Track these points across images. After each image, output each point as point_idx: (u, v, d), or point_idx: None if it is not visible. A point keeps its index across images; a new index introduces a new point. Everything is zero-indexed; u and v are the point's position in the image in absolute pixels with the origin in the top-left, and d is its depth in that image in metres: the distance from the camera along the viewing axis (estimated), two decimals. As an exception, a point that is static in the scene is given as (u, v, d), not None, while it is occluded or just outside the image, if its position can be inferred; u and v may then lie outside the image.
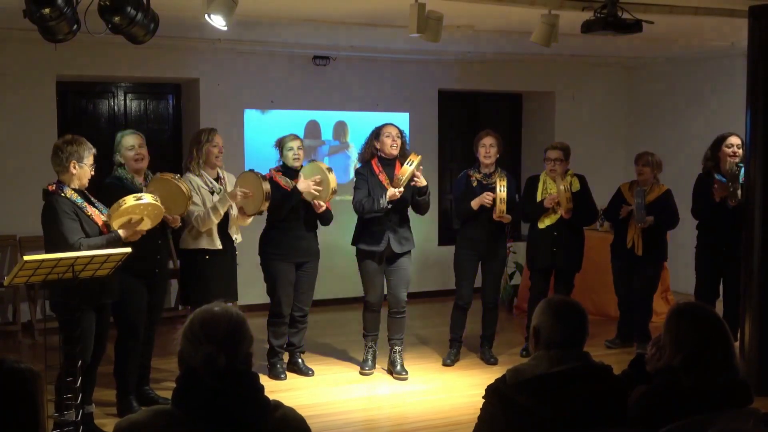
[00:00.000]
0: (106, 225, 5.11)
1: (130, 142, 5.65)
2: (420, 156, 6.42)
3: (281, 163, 6.54)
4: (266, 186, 6.15)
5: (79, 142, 5.09)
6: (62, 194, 5.00)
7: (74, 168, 5.03)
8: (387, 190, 6.37)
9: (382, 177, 6.48)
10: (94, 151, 5.15)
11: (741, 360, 5.77)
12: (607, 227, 8.41)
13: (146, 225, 5.27)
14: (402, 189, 6.33)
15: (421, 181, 6.41)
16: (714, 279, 7.12)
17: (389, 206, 6.38)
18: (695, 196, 7.14)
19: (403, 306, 6.65)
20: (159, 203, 5.28)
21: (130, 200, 5.12)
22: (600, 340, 7.53)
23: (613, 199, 7.45)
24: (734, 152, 6.87)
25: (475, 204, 6.71)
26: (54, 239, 4.98)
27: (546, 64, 10.06)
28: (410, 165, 6.30)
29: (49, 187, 5.06)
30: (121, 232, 5.11)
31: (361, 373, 6.74)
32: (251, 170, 6.34)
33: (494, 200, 6.64)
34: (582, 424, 2.77)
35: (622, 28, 5.78)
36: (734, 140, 6.93)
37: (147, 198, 5.22)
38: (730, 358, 2.89)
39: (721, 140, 7.02)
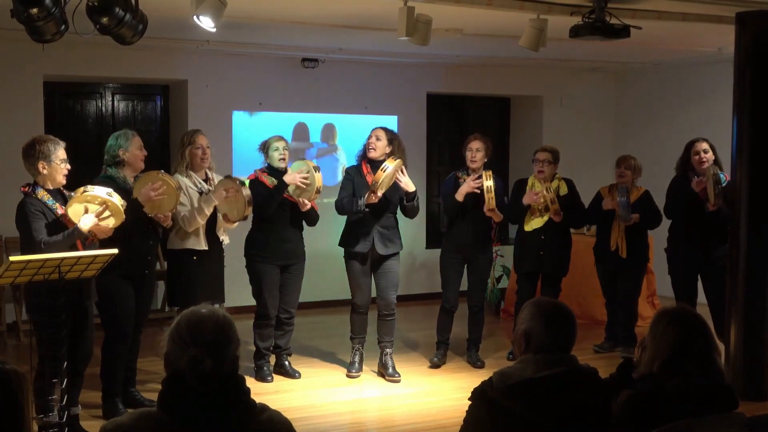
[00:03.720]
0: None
1: (139, 142, 5.63)
2: (398, 160, 6.38)
3: (266, 164, 6.51)
4: (246, 191, 6.09)
5: (41, 141, 5.04)
6: (33, 195, 4.99)
7: (43, 168, 5.00)
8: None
9: (369, 178, 6.45)
10: (63, 144, 5.09)
11: (726, 365, 5.79)
12: (594, 231, 8.41)
13: (111, 221, 5.13)
14: (379, 194, 6.32)
15: (408, 186, 6.41)
16: (691, 280, 7.09)
17: (367, 209, 6.37)
18: (669, 196, 7.17)
19: (392, 308, 6.64)
20: (116, 201, 5.14)
21: (90, 189, 5.08)
22: (587, 344, 7.54)
23: (593, 202, 7.46)
24: (701, 159, 6.89)
25: (459, 194, 6.68)
26: (26, 239, 4.99)
27: (534, 68, 10.08)
28: (385, 170, 6.27)
29: (22, 188, 5.05)
30: (81, 225, 4.95)
31: (347, 376, 6.73)
32: (228, 176, 6.26)
33: (482, 193, 6.63)
34: (567, 427, 2.78)
35: (610, 33, 5.79)
36: (699, 146, 6.95)
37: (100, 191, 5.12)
38: (713, 362, 2.90)
39: (689, 146, 7.04)
